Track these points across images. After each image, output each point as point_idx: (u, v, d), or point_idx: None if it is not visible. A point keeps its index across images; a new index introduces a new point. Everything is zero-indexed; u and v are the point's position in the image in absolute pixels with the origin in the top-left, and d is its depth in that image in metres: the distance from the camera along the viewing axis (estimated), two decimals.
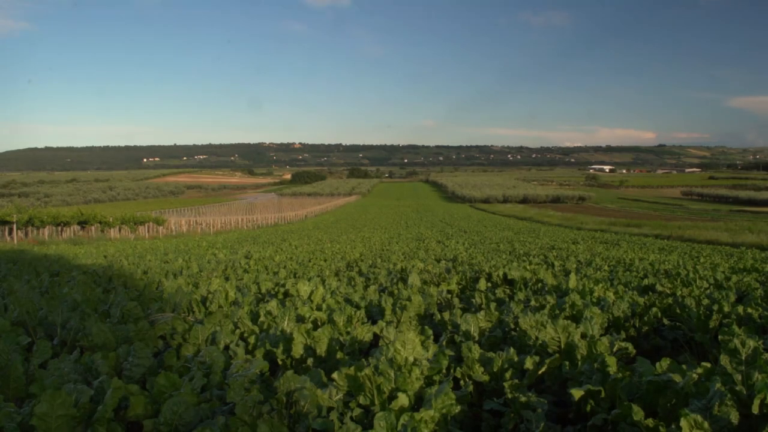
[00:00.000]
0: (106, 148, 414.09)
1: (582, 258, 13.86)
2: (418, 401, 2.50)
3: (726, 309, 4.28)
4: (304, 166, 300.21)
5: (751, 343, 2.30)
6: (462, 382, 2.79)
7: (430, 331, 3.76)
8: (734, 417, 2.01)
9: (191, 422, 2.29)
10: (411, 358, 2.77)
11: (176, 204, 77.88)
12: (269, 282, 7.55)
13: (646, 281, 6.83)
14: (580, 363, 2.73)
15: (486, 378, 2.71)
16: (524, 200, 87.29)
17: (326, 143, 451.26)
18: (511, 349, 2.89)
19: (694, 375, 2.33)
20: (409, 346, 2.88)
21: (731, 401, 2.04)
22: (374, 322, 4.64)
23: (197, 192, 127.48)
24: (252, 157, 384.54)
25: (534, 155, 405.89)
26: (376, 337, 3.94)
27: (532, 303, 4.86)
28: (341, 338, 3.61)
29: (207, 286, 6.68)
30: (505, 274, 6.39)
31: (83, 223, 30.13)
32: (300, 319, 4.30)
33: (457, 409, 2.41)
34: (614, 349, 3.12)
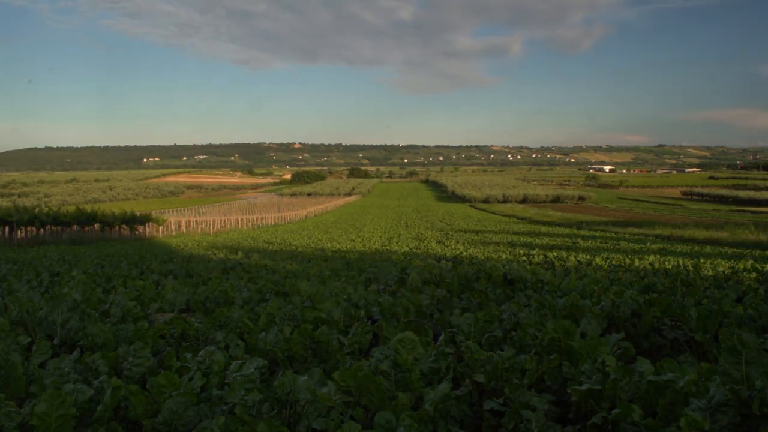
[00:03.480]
0: (106, 148, 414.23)
1: (582, 258, 13.86)
2: (418, 401, 2.50)
3: (726, 309, 4.27)
4: (304, 166, 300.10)
5: (751, 343, 2.30)
6: (462, 382, 2.78)
7: (430, 331, 3.76)
8: (734, 417, 2.01)
9: (191, 422, 2.29)
10: (411, 358, 2.76)
11: (176, 204, 77.81)
12: (269, 282, 7.55)
13: (646, 281, 6.82)
14: (580, 363, 2.73)
15: (486, 378, 2.71)
16: (524, 200, 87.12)
17: (326, 143, 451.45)
18: (511, 349, 2.89)
19: (694, 375, 2.33)
20: (409, 345, 2.88)
21: (731, 401, 2.04)
22: (374, 322, 4.63)
23: (197, 192, 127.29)
24: (252, 157, 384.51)
25: (534, 155, 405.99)
26: (376, 337, 3.94)
27: (532, 303, 4.85)
28: (341, 338, 3.60)
29: (207, 285, 6.67)
30: (505, 274, 6.38)
31: (84, 223, 30.14)
32: (300, 319, 4.30)
33: (457, 408, 2.41)
34: (614, 349, 3.12)
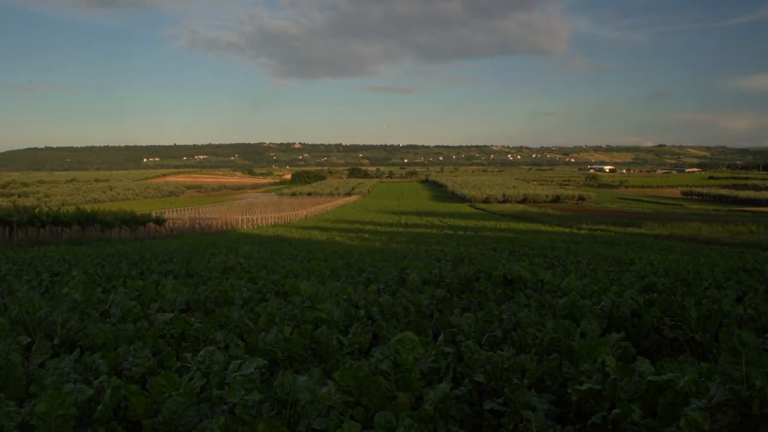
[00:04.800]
0: (106, 148, 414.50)
1: (582, 258, 13.86)
2: (418, 401, 2.50)
3: (726, 309, 4.27)
4: (304, 166, 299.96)
5: (751, 343, 2.30)
6: (462, 382, 2.78)
7: (430, 331, 3.76)
8: (734, 417, 2.01)
9: (191, 422, 2.29)
10: (411, 358, 2.76)
11: (176, 204, 77.79)
12: (269, 281, 7.55)
13: (646, 281, 6.82)
14: (580, 363, 2.73)
15: (486, 378, 2.71)
16: (524, 200, 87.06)
17: (326, 143, 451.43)
18: (511, 349, 2.89)
19: (694, 375, 2.33)
20: (409, 345, 2.88)
21: (731, 401, 2.04)
22: (374, 322, 4.63)
23: (197, 192, 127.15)
24: (252, 157, 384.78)
25: (534, 155, 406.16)
26: (376, 337, 3.94)
27: (532, 303, 4.85)
28: (341, 338, 3.60)
29: (207, 285, 6.67)
30: (505, 274, 6.38)
31: (84, 223, 30.16)
32: (300, 319, 4.30)
33: (457, 408, 2.41)
34: (614, 349, 3.12)
